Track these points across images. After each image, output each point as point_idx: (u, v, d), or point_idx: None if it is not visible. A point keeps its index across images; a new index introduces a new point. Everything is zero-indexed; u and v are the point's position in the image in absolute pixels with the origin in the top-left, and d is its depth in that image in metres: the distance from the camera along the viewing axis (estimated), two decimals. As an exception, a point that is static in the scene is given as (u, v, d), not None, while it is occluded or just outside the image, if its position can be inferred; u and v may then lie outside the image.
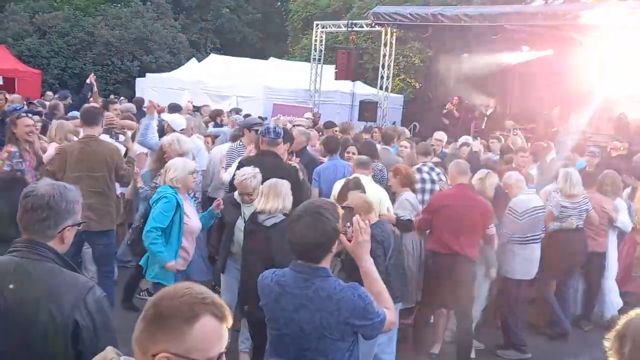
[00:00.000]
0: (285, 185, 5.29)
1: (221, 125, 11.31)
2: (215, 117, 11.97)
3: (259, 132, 7.01)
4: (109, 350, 1.93)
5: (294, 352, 3.05)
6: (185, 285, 1.88)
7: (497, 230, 6.72)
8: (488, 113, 18.74)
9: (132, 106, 8.05)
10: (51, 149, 6.92)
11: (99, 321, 2.64)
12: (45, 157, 6.80)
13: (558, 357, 7.05)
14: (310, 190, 7.15)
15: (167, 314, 1.80)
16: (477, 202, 6.31)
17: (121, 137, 7.21)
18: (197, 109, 13.57)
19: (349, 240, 3.09)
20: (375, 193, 6.11)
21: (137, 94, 21.64)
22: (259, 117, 11.76)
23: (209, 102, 17.40)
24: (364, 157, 7.01)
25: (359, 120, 18.60)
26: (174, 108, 11.76)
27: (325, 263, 3.05)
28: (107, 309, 2.71)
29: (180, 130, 7.71)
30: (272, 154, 6.51)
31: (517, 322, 7.00)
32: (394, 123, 19.60)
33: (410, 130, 19.38)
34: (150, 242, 5.31)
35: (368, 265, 3.14)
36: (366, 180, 6.29)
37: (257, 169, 5.83)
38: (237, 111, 12.69)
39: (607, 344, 2.63)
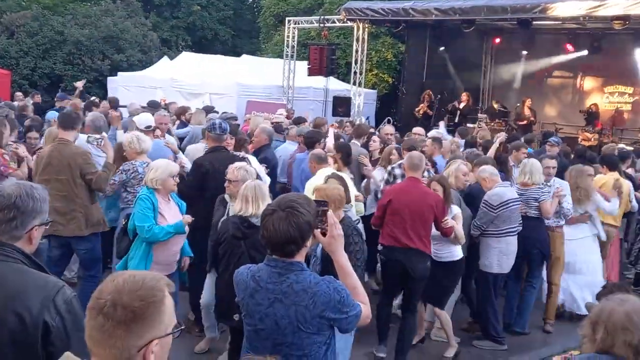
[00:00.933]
0: (264, 185, 5.32)
1: (186, 124, 11.16)
2: (180, 115, 11.78)
3: (206, 128, 7.28)
4: (67, 356, 1.89)
5: (270, 346, 3.04)
6: (125, 275, 1.90)
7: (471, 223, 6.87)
8: (461, 107, 18.87)
9: (100, 116, 7.94)
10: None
11: (69, 321, 2.60)
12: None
13: (533, 347, 7.14)
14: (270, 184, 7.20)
15: (142, 307, 1.82)
16: (426, 195, 6.25)
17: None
18: (166, 107, 13.42)
19: (323, 235, 3.10)
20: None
21: (109, 93, 21.43)
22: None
23: (182, 100, 17.26)
24: (320, 151, 7.32)
25: (332, 115, 18.58)
26: (152, 105, 11.61)
27: (300, 257, 3.05)
28: (78, 309, 2.66)
29: (146, 127, 7.68)
30: (221, 149, 6.78)
31: (495, 314, 7.07)
32: (367, 118, 19.67)
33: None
34: (151, 235, 5.32)
35: (343, 260, 3.14)
36: (328, 171, 6.49)
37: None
38: (209, 110, 12.55)
39: (580, 331, 2.68)
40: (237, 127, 7.90)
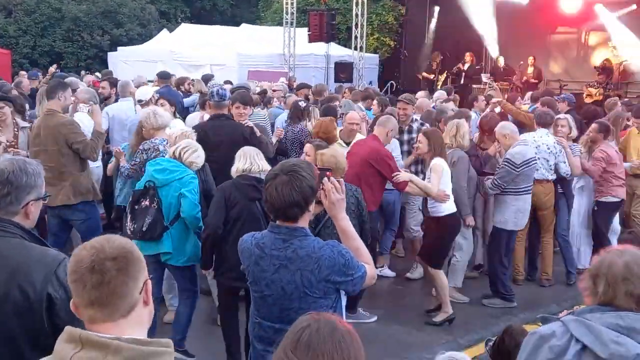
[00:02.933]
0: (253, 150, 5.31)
1: (187, 95, 11.07)
2: (179, 85, 11.65)
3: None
4: (67, 330, 1.86)
5: (277, 312, 3.07)
6: (88, 242, 1.93)
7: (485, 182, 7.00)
8: (465, 68, 18.69)
9: (90, 90, 7.91)
10: None
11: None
12: None
13: (542, 304, 7.15)
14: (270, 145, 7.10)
15: (128, 252, 1.90)
16: (371, 151, 6.42)
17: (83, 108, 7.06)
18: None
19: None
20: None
21: (110, 68, 21.34)
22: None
23: (183, 72, 17.17)
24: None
25: (335, 82, 18.47)
26: (163, 77, 11.42)
27: (303, 222, 3.04)
28: None
29: (139, 101, 7.64)
30: (222, 116, 6.75)
31: (506, 272, 7.10)
32: (370, 83, 19.54)
33: (387, 90, 19.38)
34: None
35: (345, 223, 3.15)
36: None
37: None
38: (208, 78, 12.43)
39: (582, 284, 2.67)
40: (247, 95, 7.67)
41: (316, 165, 3.50)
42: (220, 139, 6.35)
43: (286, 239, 3.02)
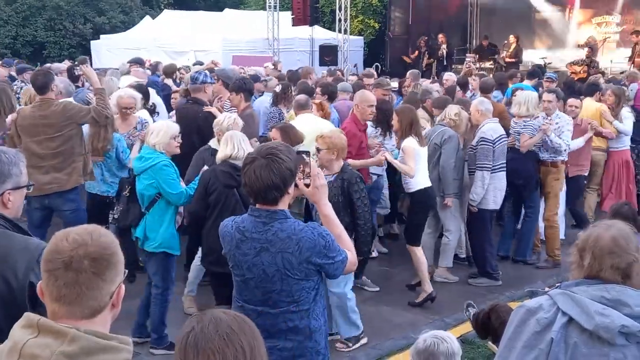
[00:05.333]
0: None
1: (179, 84, 10.96)
2: (172, 73, 11.50)
3: None
4: (26, 316, 1.85)
5: (260, 295, 3.08)
6: (73, 231, 1.87)
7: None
8: (443, 48, 18.71)
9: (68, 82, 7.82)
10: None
11: None
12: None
13: (528, 281, 7.21)
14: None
15: (111, 254, 1.84)
16: (345, 129, 6.41)
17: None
18: (154, 67, 13.20)
19: (307, 186, 3.10)
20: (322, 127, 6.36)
21: (94, 57, 21.19)
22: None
23: (167, 59, 17.05)
24: (303, 96, 7.34)
25: (320, 65, 18.41)
26: (136, 62, 11.30)
27: (283, 205, 3.05)
28: None
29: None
30: (195, 100, 6.96)
31: (492, 251, 7.16)
32: (355, 65, 19.47)
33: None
34: (186, 200, 5.25)
35: (327, 209, 3.17)
36: (312, 117, 6.83)
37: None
38: (200, 64, 12.35)
39: (568, 259, 2.70)
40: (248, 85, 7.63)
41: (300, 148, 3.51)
42: (184, 124, 6.24)
43: (266, 222, 3.03)
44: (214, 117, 6.25)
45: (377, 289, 6.84)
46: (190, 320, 1.78)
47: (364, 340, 5.68)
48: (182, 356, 1.71)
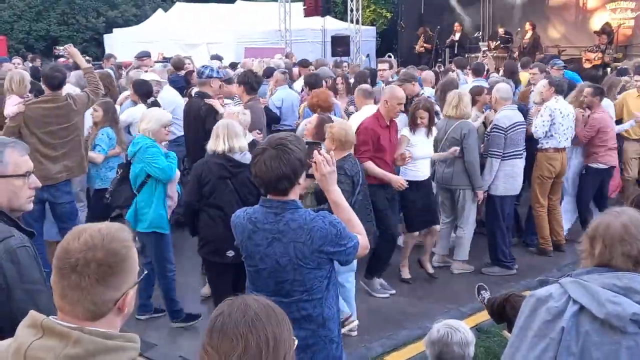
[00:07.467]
0: (236, 123, 5.32)
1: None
2: (181, 67, 11.37)
3: None
4: (32, 315, 1.80)
5: (273, 285, 3.10)
6: (88, 230, 1.82)
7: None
8: (457, 38, 18.60)
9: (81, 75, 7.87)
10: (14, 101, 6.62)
11: (10, 271, 2.49)
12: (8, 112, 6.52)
13: (544, 269, 7.17)
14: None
15: (117, 261, 1.80)
16: (362, 124, 6.29)
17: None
18: (167, 60, 13.21)
19: (310, 176, 3.13)
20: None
21: (107, 51, 21.25)
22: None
23: (180, 52, 17.04)
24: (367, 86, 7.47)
25: (332, 56, 18.36)
26: (142, 56, 11.33)
27: (294, 195, 3.07)
28: (25, 259, 2.54)
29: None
30: (201, 95, 6.94)
31: (505, 239, 7.13)
32: (367, 56, 19.43)
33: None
34: (173, 173, 5.48)
35: (336, 195, 3.19)
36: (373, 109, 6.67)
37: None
38: (219, 58, 12.40)
39: (579, 247, 2.69)
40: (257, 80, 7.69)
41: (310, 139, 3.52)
42: (191, 117, 6.68)
43: (278, 213, 3.05)
44: (215, 109, 6.59)
45: (387, 295, 6.56)
46: (222, 304, 1.81)
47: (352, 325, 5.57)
48: (208, 338, 1.74)
